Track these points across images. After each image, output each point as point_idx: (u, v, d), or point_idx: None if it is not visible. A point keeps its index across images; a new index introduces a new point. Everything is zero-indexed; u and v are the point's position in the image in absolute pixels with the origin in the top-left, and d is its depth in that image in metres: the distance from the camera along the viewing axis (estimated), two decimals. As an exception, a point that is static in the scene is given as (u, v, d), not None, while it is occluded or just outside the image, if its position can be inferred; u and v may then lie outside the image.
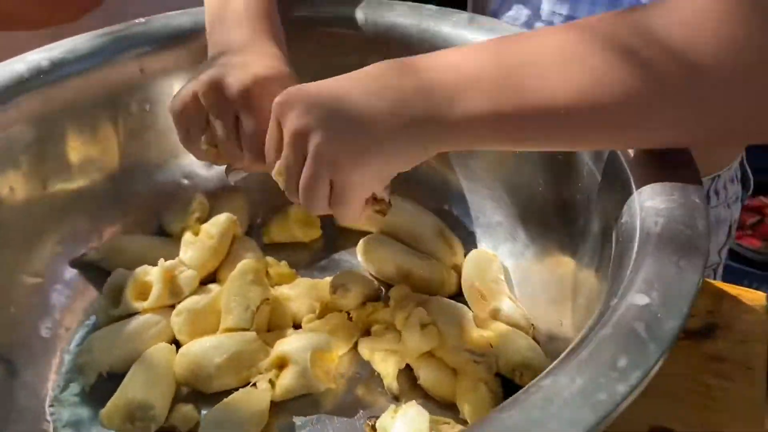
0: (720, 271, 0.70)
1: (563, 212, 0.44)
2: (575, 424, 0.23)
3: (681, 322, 0.27)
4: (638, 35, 0.32)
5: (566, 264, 0.42)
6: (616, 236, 0.34)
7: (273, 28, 0.48)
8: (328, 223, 0.56)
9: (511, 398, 0.25)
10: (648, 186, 0.35)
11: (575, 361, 0.26)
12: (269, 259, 0.52)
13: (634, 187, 0.35)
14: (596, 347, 0.26)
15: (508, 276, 0.49)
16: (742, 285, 1.71)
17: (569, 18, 0.53)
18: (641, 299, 0.28)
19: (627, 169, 0.37)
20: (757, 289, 1.69)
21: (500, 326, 0.43)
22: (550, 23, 0.55)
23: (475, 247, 0.53)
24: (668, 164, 0.35)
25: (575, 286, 0.41)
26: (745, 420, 0.42)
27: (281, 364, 0.45)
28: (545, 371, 0.26)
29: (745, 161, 0.68)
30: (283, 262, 0.52)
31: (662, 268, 0.29)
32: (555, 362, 0.26)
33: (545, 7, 0.54)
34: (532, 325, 0.44)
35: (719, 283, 0.51)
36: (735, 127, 0.34)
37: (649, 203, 0.33)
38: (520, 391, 0.25)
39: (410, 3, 0.54)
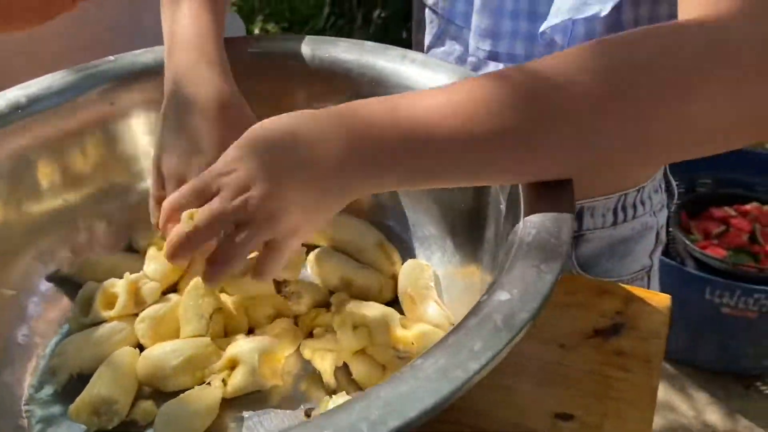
0: (654, 273, 0.75)
1: (477, 225, 0.50)
2: (434, 393, 0.29)
3: (532, 314, 0.32)
4: (527, 80, 0.39)
5: (476, 270, 0.48)
6: (505, 245, 0.40)
7: (216, 49, 0.53)
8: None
9: (390, 376, 0.31)
10: (532, 203, 0.41)
11: (443, 346, 0.32)
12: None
13: (522, 203, 0.41)
14: (461, 334, 0.32)
15: (438, 282, 0.55)
16: (705, 293, 1.79)
17: (492, 53, 0.60)
18: (503, 296, 0.33)
19: (520, 189, 0.43)
20: (720, 296, 1.74)
21: (423, 327, 0.49)
22: (477, 58, 0.62)
23: (413, 257, 0.59)
24: (550, 184, 0.41)
25: (482, 288, 0.46)
26: (639, 406, 0.48)
27: (233, 365, 0.51)
28: (420, 355, 0.32)
29: (668, 172, 0.74)
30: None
31: (526, 270, 0.35)
32: (430, 348, 0.32)
33: (471, 43, 0.61)
34: (452, 324, 0.50)
35: (630, 287, 0.57)
36: (610, 158, 0.41)
37: (529, 217, 0.39)
38: (398, 371, 0.31)
39: (351, 40, 0.60)
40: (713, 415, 1.61)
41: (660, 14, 0.57)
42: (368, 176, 0.40)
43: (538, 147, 0.40)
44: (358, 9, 3.44)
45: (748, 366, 1.65)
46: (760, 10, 0.40)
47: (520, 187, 0.43)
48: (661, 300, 0.56)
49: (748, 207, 1.74)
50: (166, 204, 0.43)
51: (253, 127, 0.42)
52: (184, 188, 0.42)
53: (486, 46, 0.59)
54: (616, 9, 0.54)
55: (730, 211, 1.74)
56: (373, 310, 0.50)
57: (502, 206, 0.45)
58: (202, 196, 0.41)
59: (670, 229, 1.71)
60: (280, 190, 0.39)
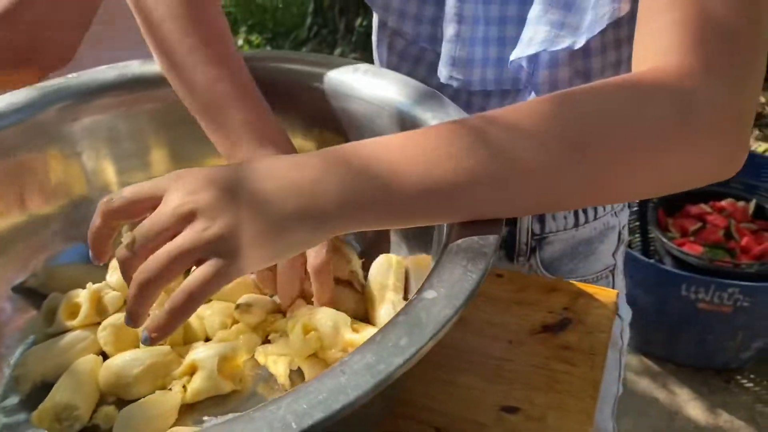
0: (618, 272, 0.77)
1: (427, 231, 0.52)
2: (358, 387, 0.31)
3: (455, 311, 0.34)
4: (488, 131, 0.41)
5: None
6: (443, 248, 0.42)
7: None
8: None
9: (322, 373, 0.33)
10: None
11: (372, 342, 0.33)
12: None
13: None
14: (389, 331, 0.34)
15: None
16: (681, 290, 1.82)
17: (466, 82, 0.61)
18: (430, 294, 0.35)
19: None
20: (696, 292, 1.77)
21: (371, 330, 0.51)
22: (449, 87, 0.63)
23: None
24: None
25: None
26: (582, 397, 0.50)
27: (192, 371, 0.52)
28: (353, 351, 0.34)
29: None
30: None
31: (453, 270, 0.37)
32: (361, 345, 0.34)
33: (443, 72, 0.62)
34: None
35: (578, 284, 0.59)
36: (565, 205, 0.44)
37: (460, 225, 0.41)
38: (330, 367, 0.33)
39: (305, 53, 0.62)
40: (695, 410, 1.63)
41: (622, 37, 0.58)
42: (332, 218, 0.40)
43: (497, 193, 0.41)
44: (340, 19, 3.48)
45: (727, 360, 1.68)
46: (721, 70, 0.42)
47: None
48: (607, 295, 0.58)
49: (723, 203, 1.78)
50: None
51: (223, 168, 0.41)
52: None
53: (459, 75, 0.60)
54: None
55: (705, 208, 1.77)
56: (324, 315, 0.52)
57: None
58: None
59: (649, 227, 1.74)
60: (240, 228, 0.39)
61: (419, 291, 0.36)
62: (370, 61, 0.61)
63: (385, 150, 0.40)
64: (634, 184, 0.43)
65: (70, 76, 0.62)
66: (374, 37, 0.71)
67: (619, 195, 0.46)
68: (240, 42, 3.47)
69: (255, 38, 3.76)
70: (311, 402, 0.31)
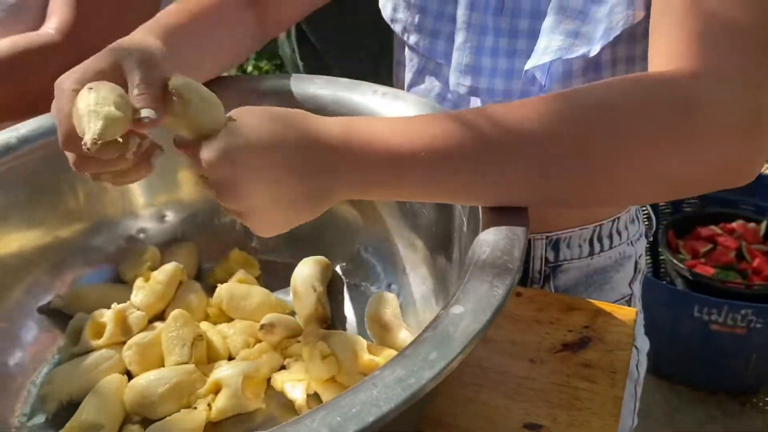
0: (636, 301, 0.76)
1: (448, 248, 0.53)
2: (390, 400, 0.31)
3: (483, 325, 0.35)
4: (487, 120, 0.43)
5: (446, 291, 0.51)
6: (465, 263, 0.43)
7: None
8: (265, 266, 0.65)
9: (352, 387, 0.33)
10: (491, 226, 0.43)
11: (401, 357, 0.34)
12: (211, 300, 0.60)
13: (481, 226, 0.44)
14: (418, 346, 0.34)
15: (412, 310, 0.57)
16: (694, 311, 1.80)
17: (473, 89, 0.62)
18: (457, 309, 0.36)
19: (480, 214, 0.45)
20: (708, 314, 1.75)
21: (388, 351, 0.51)
22: (457, 93, 0.64)
23: (392, 282, 0.61)
24: (507, 210, 0.44)
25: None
26: (603, 414, 0.50)
27: (217, 389, 0.53)
28: (382, 366, 0.34)
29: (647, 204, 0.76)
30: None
31: (479, 285, 0.37)
32: (391, 359, 0.35)
33: (452, 79, 0.63)
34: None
35: (597, 302, 0.59)
36: (562, 200, 0.45)
37: (484, 236, 0.42)
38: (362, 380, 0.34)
39: (326, 77, 0.63)
40: (711, 435, 1.61)
41: (635, 54, 0.59)
42: (341, 184, 0.44)
43: (489, 176, 0.43)
44: (346, 44, 3.51)
45: (742, 382, 1.66)
46: (730, 72, 0.43)
47: (479, 208, 0.46)
48: (626, 313, 0.58)
49: (734, 225, 1.77)
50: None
51: (248, 115, 0.44)
52: None
53: (467, 81, 0.62)
54: None
55: (716, 229, 1.77)
56: (340, 339, 0.52)
57: (464, 228, 0.48)
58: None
59: (660, 249, 1.74)
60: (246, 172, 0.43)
61: (446, 306, 0.37)
62: (380, 81, 0.63)
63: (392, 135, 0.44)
64: (637, 182, 0.44)
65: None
66: (395, 56, 0.73)
67: (622, 193, 0.46)
68: (249, 68, 3.52)
69: (264, 64, 3.81)
70: (345, 415, 0.31)
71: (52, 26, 0.76)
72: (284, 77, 0.65)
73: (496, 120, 0.42)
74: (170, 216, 0.66)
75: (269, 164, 0.43)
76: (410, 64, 0.69)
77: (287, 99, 0.63)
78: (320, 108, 0.62)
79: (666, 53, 0.46)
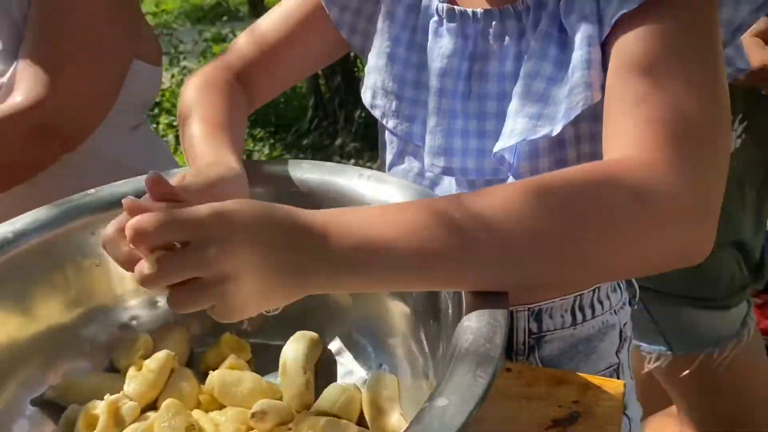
0: (624, 370, 0.76)
1: (436, 340, 0.53)
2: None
3: (467, 417, 0.36)
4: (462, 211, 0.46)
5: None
6: (448, 351, 0.44)
7: (230, 137, 0.62)
8: (257, 348, 0.66)
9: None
10: (474, 309, 0.45)
11: (387, 453, 0.35)
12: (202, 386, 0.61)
13: (464, 310, 0.45)
14: (403, 441, 0.35)
15: (401, 390, 0.58)
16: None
17: (446, 168, 0.65)
18: (442, 402, 0.37)
19: (463, 299, 0.47)
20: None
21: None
22: (432, 173, 0.67)
23: (381, 363, 0.62)
24: (488, 294, 0.46)
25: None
26: (596, 493, 0.50)
27: (209, 478, 0.53)
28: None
29: None
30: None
31: (462, 377, 0.38)
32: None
33: (426, 161, 0.66)
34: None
35: (585, 376, 0.60)
36: (536, 283, 0.47)
37: (467, 323, 0.43)
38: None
39: (312, 161, 0.66)
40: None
41: (598, 131, 0.60)
42: (321, 275, 0.45)
43: (467, 267, 0.46)
44: (340, 110, 3.60)
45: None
46: (682, 161, 0.47)
47: (463, 293, 0.47)
48: (615, 386, 0.59)
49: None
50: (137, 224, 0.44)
51: (237, 201, 0.45)
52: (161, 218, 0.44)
53: (440, 162, 0.65)
54: None
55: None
56: (329, 424, 0.53)
57: (450, 310, 0.49)
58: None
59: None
60: (236, 258, 0.43)
61: (430, 398, 0.38)
62: (369, 149, 0.65)
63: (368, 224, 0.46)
64: (608, 263, 0.48)
65: (89, 192, 0.65)
66: (379, 138, 0.76)
67: (597, 274, 0.51)
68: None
69: (258, 132, 3.87)
70: None
71: (19, 95, 0.81)
72: (273, 163, 0.67)
73: (470, 214, 0.45)
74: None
75: (256, 231, 0.44)
76: (391, 146, 0.72)
77: (276, 183, 0.66)
78: (307, 192, 0.64)
79: (622, 138, 0.50)
